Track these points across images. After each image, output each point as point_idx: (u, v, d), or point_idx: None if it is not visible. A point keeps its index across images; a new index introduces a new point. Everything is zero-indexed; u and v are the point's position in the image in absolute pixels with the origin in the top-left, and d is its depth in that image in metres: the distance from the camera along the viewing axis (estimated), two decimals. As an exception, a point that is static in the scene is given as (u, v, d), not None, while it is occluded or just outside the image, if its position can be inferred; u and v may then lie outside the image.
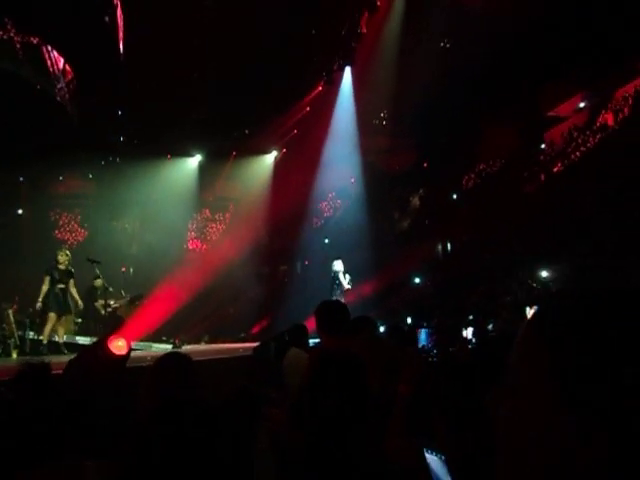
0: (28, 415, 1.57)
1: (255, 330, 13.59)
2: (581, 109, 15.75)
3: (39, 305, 8.40)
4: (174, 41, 12.97)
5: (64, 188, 17.39)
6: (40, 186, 17.08)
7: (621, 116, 13.74)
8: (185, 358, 2.20)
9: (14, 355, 8.38)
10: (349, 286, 10.11)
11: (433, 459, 1.78)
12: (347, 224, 15.43)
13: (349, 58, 14.70)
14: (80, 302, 8.84)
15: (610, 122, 14.12)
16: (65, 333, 8.71)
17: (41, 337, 8.50)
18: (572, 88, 15.15)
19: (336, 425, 1.33)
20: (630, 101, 13.63)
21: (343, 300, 9.71)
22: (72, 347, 7.97)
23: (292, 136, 17.34)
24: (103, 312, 10.30)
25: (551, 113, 16.15)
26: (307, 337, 4.17)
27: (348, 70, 15.39)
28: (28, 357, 8.18)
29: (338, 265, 10.31)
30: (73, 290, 8.69)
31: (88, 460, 1.53)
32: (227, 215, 18.51)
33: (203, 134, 15.97)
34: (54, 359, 6.86)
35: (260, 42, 13.58)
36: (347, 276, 10.14)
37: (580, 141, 14.65)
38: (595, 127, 14.58)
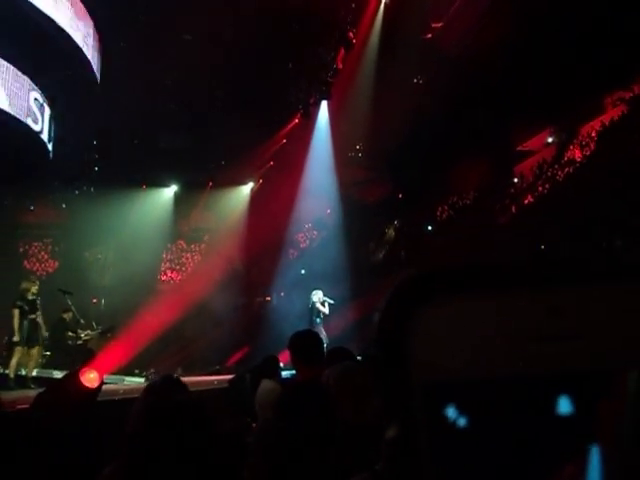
0: None
1: (230, 362, 13.34)
2: (549, 144, 16.28)
3: (16, 339, 8.17)
4: (151, 72, 13.10)
5: (34, 217, 17.07)
6: (9, 215, 16.73)
7: (587, 151, 14.22)
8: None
9: (-22, 390, 8.03)
10: (326, 310, 10.10)
11: None
12: (323, 255, 15.44)
13: (325, 93, 15.02)
14: (45, 333, 8.64)
15: (577, 157, 14.60)
16: (35, 367, 8.45)
17: (7, 371, 8.22)
18: (541, 124, 15.68)
19: (299, 457, 1.32)
20: (595, 136, 14.15)
21: (323, 331, 9.69)
22: (40, 381, 7.71)
23: (268, 168, 17.45)
24: (73, 344, 10.04)
25: (521, 147, 16.64)
26: (279, 368, 4.14)
27: (324, 104, 15.69)
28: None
29: (316, 296, 10.28)
30: (40, 321, 8.49)
31: None
32: (202, 246, 18.37)
33: (179, 165, 15.97)
34: (22, 394, 6.63)
35: (237, 75, 13.79)
36: (326, 304, 10.12)
37: (549, 174, 15.08)
38: (563, 161, 15.05)
